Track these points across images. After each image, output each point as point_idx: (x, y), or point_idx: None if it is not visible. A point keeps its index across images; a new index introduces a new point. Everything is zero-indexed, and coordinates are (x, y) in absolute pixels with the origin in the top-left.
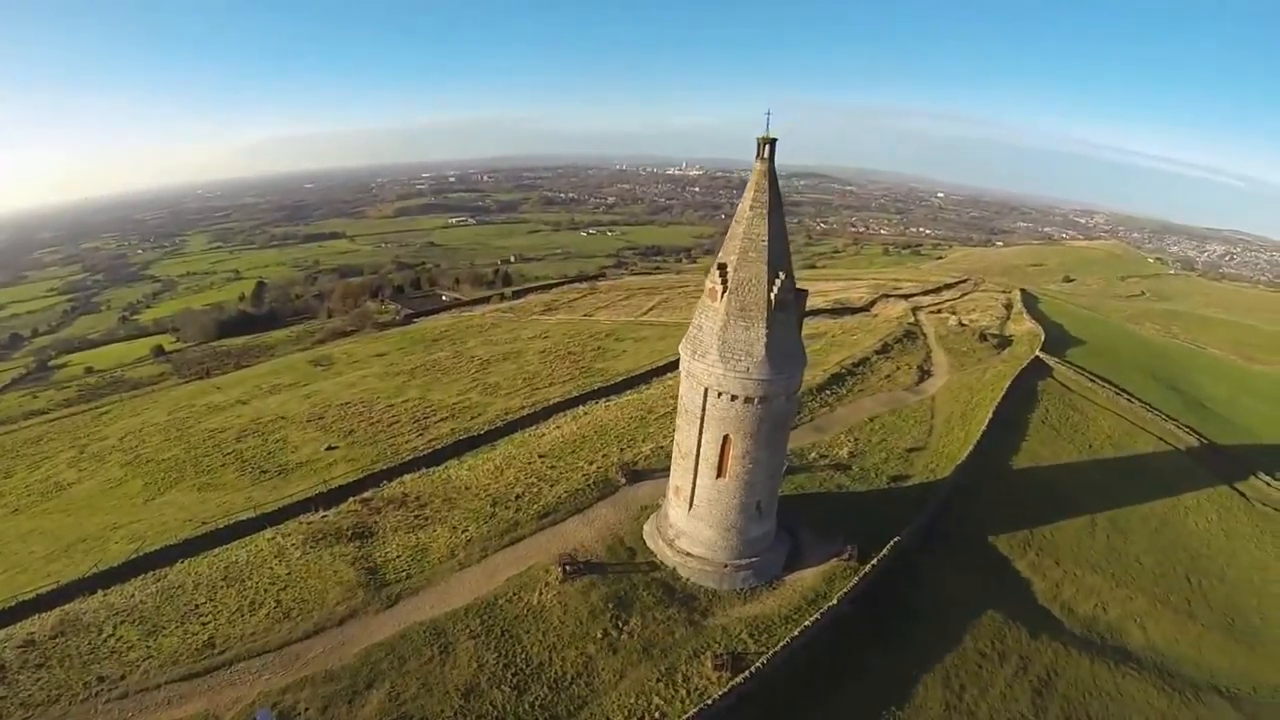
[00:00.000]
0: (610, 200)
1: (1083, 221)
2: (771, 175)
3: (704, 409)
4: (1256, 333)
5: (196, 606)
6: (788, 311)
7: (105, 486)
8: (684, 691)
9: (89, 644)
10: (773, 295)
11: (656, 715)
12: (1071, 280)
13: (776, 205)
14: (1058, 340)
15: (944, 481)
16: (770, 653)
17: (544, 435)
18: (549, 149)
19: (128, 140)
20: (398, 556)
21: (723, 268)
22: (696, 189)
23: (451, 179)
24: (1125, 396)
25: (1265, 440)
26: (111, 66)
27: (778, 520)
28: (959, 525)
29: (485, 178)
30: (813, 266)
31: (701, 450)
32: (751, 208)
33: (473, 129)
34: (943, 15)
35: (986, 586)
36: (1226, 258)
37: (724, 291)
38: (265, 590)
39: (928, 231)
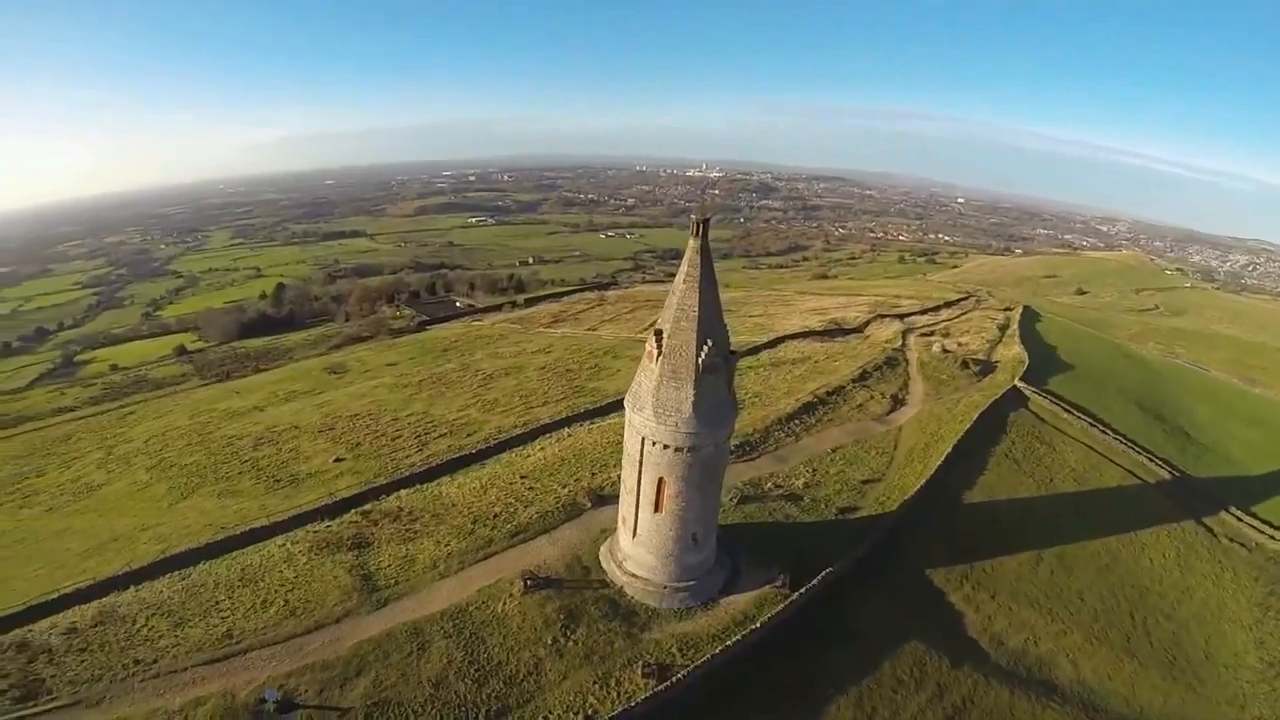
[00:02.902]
0: (630, 202)
1: (1104, 229)
2: (704, 250)
3: (642, 454)
4: (1262, 352)
5: (217, 603)
6: (716, 374)
7: (132, 489)
8: (615, 694)
9: (125, 632)
10: (700, 361)
11: (590, 712)
12: (1084, 293)
13: (709, 278)
14: (1046, 365)
15: (890, 514)
16: (692, 666)
17: (529, 456)
18: (569, 149)
19: (145, 137)
20: (389, 565)
21: (659, 334)
22: (717, 191)
23: (472, 178)
24: (1100, 427)
25: (1247, 471)
26: (128, 64)
27: (723, 546)
28: (897, 557)
29: (505, 177)
30: (824, 277)
31: (641, 488)
32: (685, 281)
33: (492, 128)
34: (963, 20)
35: (914, 617)
36: (1249, 268)
37: (659, 355)
38: (275, 591)
39: (946, 238)
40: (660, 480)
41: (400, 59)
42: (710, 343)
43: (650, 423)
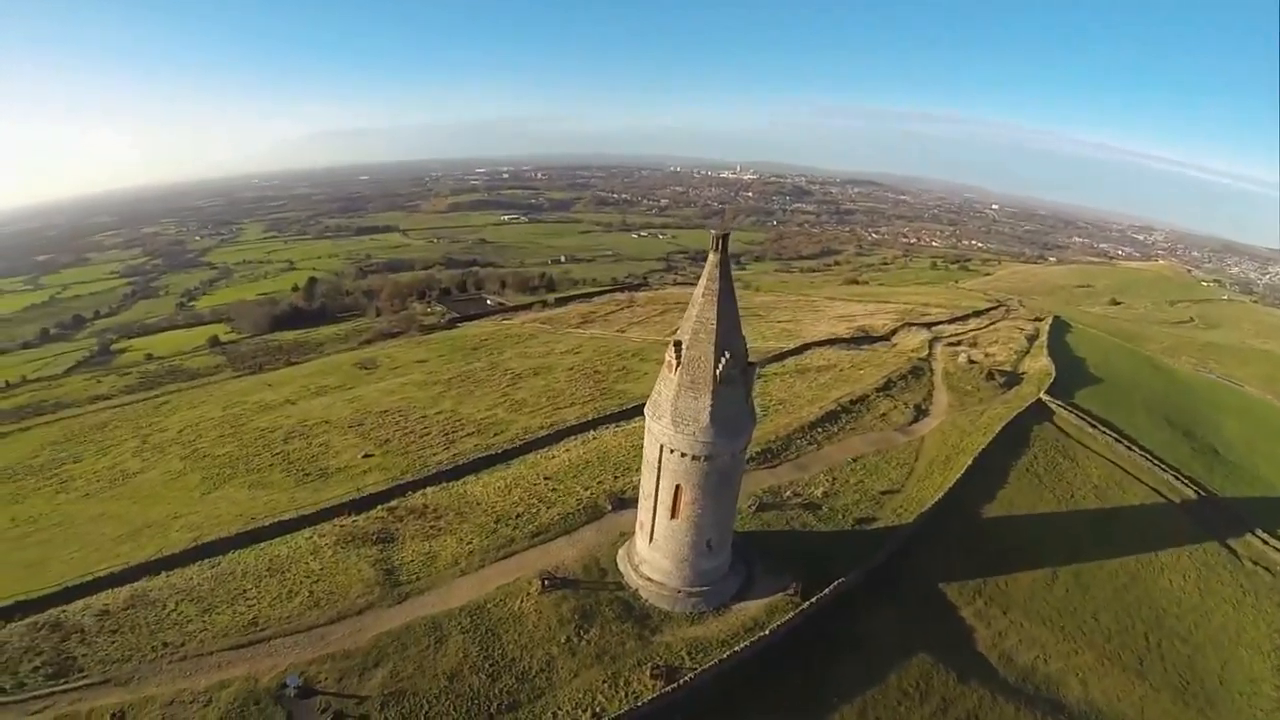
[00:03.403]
0: (663, 202)
1: (1141, 238)
2: (724, 265)
3: (660, 461)
4: None
5: (244, 591)
6: (733, 386)
7: (166, 478)
8: (623, 694)
9: (155, 616)
10: (718, 372)
11: (598, 710)
12: (1118, 303)
13: (728, 291)
14: (1074, 378)
15: (906, 526)
16: (700, 669)
17: (554, 458)
18: (569, 148)
19: (173, 131)
20: (411, 561)
21: (678, 345)
22: (750, 194)
23: (505, 175)
24: (1125, 443)
25: (1278, 491)
26: (149, 59)
27: (739, 553)
28: (910, 570)
29: (539, 175)
30: (855, 282)
31: (659, 495)
32: (704, 294)
33: (496, 128)
34: (963, 19)
35: (924, 630)
36: None
37: (678, 365)
38: (301, 582)
39: (979, 244)
40: (677, 487)
41: (416, 60)
42: (728, 355)
43: (668, 431)
